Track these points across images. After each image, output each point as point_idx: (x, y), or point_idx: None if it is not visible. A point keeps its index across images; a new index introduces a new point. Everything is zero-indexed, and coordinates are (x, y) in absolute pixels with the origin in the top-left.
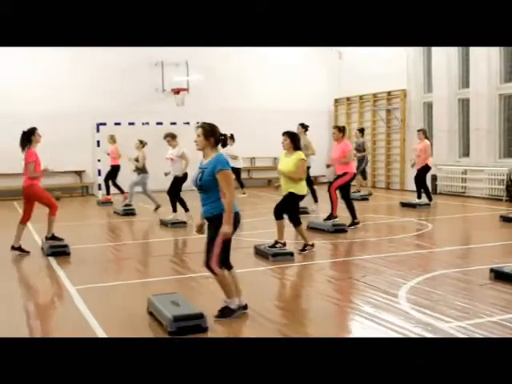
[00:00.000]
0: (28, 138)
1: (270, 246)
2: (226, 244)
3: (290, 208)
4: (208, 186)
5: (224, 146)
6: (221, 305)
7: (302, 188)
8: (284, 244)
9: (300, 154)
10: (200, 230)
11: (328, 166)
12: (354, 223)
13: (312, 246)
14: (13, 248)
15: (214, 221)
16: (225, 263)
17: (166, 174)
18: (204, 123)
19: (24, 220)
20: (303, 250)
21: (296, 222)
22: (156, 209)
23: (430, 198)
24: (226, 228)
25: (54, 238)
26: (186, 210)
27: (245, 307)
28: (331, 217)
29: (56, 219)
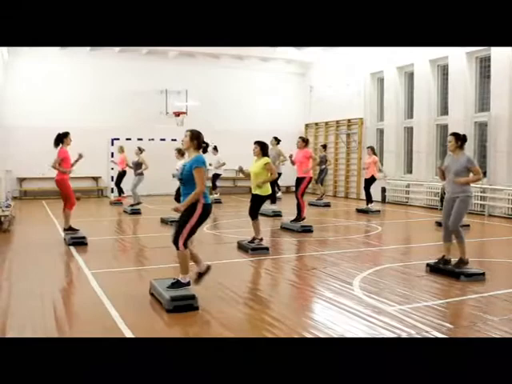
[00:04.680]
0: (61, 139)
1: (249, 242)
2: (193, 229)
3: (254, 205)
4: (187, 179)
5: (204, 152)
6: (210, 289)
7: (266, 190)
8: (261, 239)
9: (266, 159)
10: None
11: (291, 160)
12: (297, 219)
13: (261, 240)
14: (65, 230)
15: (187, 208)
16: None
17: (173, 176)
18: (192, 129)
19: (69, 206)
20: (251, 241)
21: (254, 217)
22: (133, 204)
23: (367, 203)
24: (179, 205)
25: (70, 229)
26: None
27: (188, 283)
28: (299, 219)
29: (74, 215)
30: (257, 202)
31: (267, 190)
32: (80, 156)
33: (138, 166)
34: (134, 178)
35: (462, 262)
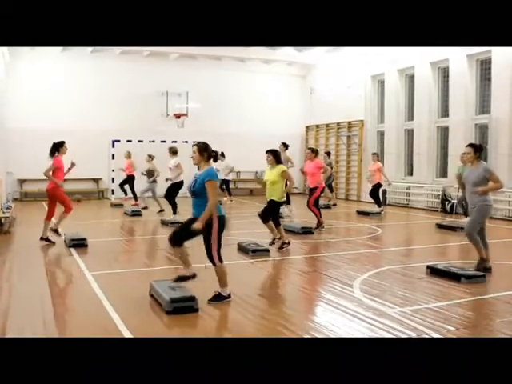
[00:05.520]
0: (57, 148)
1: (269, 244)
2: (218, 240)
3: (271, 212)
4: (199, 192)
5: (215, 160)
6: (210, 291)
7: (282, 196)
8: (289, 243)
9: (282, 167)
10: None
11: (302, 172)
12: (318, 226)
13: (288, 243)
14: (41, 239)
15: (205, 225)
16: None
17: (166, 180)
18: (199, 142)
19: (49, 217)
20: (281, 247)
21: (276, 223)
22: (160, 211)
23: (379, 206)
24: (198, 223)
25: (55, 231)
26: (175, 213)
27: (229, 296)
28: (319, 225)
29: (74, 217)
30: (273, 208)
31: (283, 196)
32: (72, 164)
33: (150, 173)
34: (148, 185)
35: (483, 260)
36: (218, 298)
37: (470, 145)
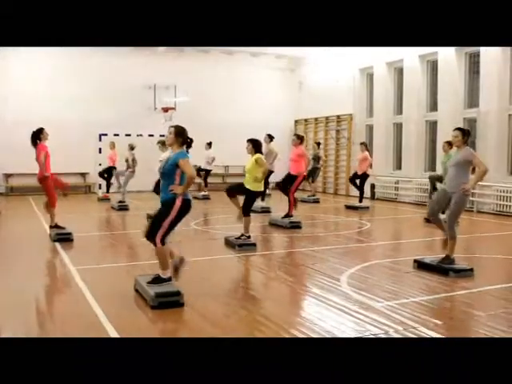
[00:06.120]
0: (38, 136)
1: (236, 238)
2: (172, 225)
3: (245, 200)
4: (168, 173)
5: (189, 147)
6: (196, 285)
7: (257, 186)
8: (248, 237)
9: (257, 155)
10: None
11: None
12: (287, 216)
13: (248, 237)
14: (51, 227)
15: (166, 204)
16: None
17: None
18: (177, 125)
19: (52, 204)
20: (239, 238)
21: (246, 213)
22: (119, 202)
23: (360, 200)
24: (179, 189)
25: (57, 226)
26: None
27: (169, 279)
28: (288, 215)
29: (61, 211)
30: (248, 198)
31: (259, 186)
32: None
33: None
34: (125, 174)
35: (449, 258)
36: (157, 281)
37: (458, 129)
